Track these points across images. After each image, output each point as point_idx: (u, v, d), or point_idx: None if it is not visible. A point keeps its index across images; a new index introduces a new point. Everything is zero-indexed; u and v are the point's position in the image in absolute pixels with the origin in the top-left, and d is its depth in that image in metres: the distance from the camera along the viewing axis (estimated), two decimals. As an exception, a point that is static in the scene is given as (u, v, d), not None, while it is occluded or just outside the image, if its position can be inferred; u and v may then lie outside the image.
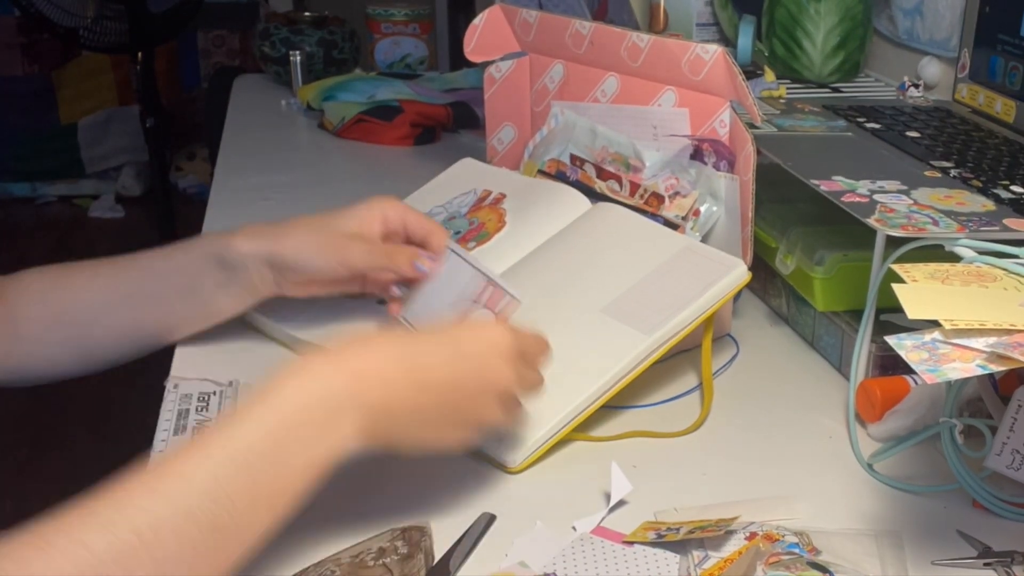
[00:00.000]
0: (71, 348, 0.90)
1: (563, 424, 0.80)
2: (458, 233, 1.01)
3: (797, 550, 0.69)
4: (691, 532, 0.69)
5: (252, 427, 0.61)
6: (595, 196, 1.03)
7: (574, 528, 0.72)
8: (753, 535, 0.70)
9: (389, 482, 0.77)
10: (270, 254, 0.87)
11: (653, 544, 0.69)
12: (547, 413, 0.80)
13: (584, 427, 0.83)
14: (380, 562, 0.67)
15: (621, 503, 0.75)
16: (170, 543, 0.55)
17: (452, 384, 0.68)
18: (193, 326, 0.92)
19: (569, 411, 0.80)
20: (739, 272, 0.87)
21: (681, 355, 0.93)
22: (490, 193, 1.05)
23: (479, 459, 0.80)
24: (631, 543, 0.70)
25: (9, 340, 0.88)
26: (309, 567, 0.68)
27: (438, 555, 0.69)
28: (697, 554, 0.69)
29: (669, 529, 0.70)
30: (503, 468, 0.78)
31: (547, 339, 0.76)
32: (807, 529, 0.71)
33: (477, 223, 1.01)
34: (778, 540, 0.69)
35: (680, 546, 0.69)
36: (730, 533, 0.70)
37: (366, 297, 0.93)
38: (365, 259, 0.87)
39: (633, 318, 0.85)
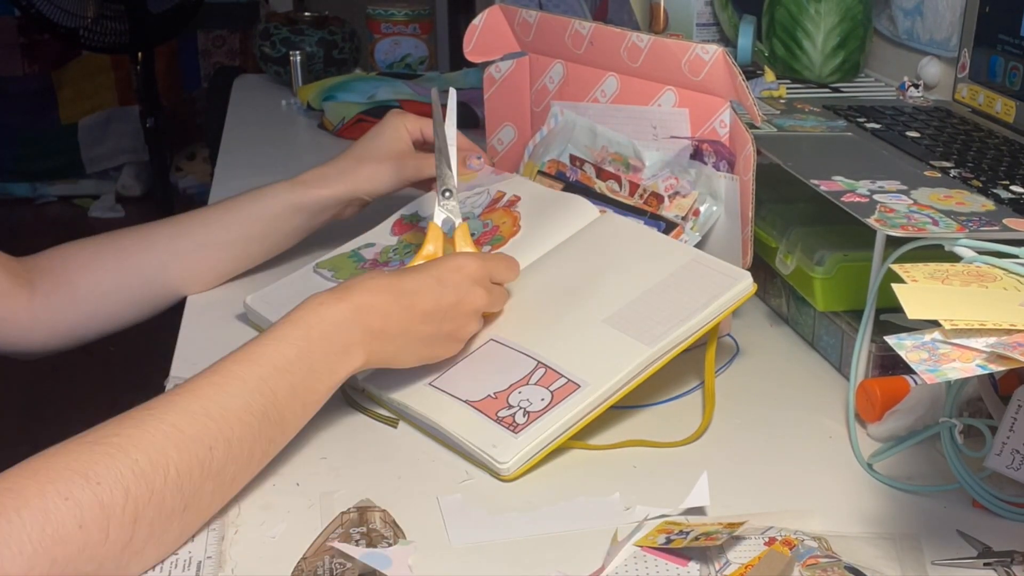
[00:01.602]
0: (140, 302, 1.03)
1: (560, 433, 0.80)
2: (473, 235, 1.00)
3: (824, 555, 0.69)
4: (696, 539, 0.69)
5: (287, 345, 0.75)
6: (595, 196, 1.03)
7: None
8: (772, 540, 0.70)
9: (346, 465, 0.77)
10: (350, 194, 1.05)
11: (661, 549, 0.69)
12: (544, 422, 0.79)
13: (582, 430, 0.82)
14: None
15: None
16: (235, 427, 0.70)
17: (435, 307, 0.81)
18: (259, 260, 1.08)
19: (566, 420, 0.80)
20: (744, 284, 0.87)
21: (682, 354, 0.93)
22: (504, 195, 1.04)
23: (473, 464, 0.80)
24: (642, 547, 0.70)
25: (68, 306, 0.98)
26: (302, 563, 0.68)
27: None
28: (718, 560, 0.69)
29: (680, 533, 0.70)
30: (496, 476, 0.78)
31: (515, 260, 0.89)
32: (825, 534, 0.71)
33: (491, 226, 1.01)
34: (796, 545, 0.69)
35: (699, 553, 0.69)
36: (738, 539, 0.70)
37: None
38: (424, 171, 1.04)
39: (635, 329, 0.84)
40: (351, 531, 0.70)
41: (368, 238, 1.06)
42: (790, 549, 0.69)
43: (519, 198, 1.03)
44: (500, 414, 0.81)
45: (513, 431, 0.79)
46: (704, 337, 0.87)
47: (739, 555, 0.69)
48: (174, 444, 0.66)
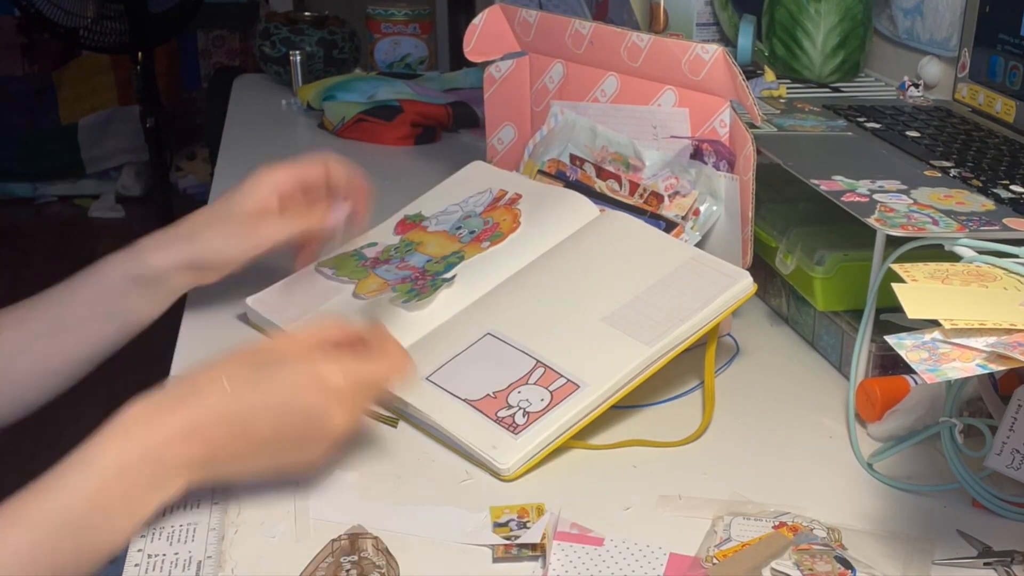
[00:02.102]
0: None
1: (559, 433, 0.79)
2: (472, 232, 1.01)
3: (821, 543, 0.69)
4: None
5: (74, 495, 0.64)
6: (595, 195, 1.03)
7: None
8: (781, 524, 0.71)
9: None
10: (189, 260, 0.91)
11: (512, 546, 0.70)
12: (544, 422, 0.79)
13: (582, 431, 0.82)
14: None
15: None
16: None
17: (272, 435, 0.70)
18: (116, 343, 0.93)
19: (565, 420, 0.80)
20: (744, 284, 0.87)
21: (682, 354, 0.93)
22: (506, 193, 1.04)
23: (473, 464, 0.80)
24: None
25: None
26: None
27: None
28: (721, 535, 0.70)
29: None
30: (496, 475, 0.78)
31: (406, 360, 0.77)
32: (840, 525, 0.72)
33: (492, 223, 1.01)
34: (800, 531, 0.70)
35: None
36: (744, 520, 0.71)
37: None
38: (279, 235, 0.92)
39: (635, 328, 0.84)
40: (342, 560, 0.68)
41: (371, 237, 1.06)
42: (794, 534, 0.69)
43: (520, 196, 1.03)
44: (500, 414, 0.81)
45: (513, 432, 0.79)
46: (704, 337, 0.87)
47: (742, 534, 0.70)
48: None
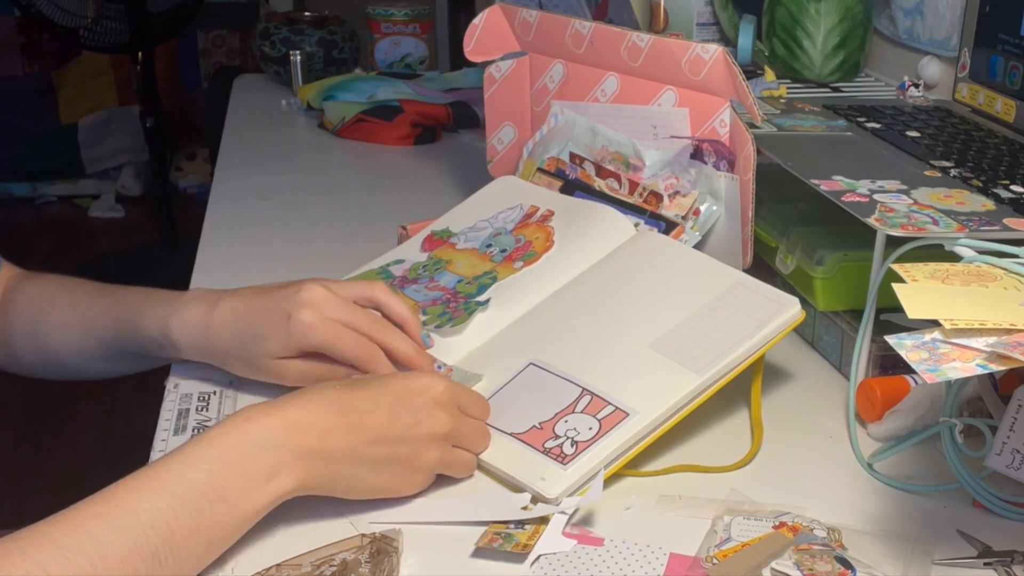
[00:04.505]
0: (44, 366, 0.98)
1: (609, 462, 0.77)
2: (504, 251, 0.97)
3: (821, 543, 0.69)
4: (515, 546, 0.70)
5: (196, 468, 0.65)
6: (594, 194, 1.03)
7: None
8: (782, 524, 0.71)
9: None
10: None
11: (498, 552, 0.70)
12: (593, 452, 0.76)
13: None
14: None
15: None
16: (115, 569, 0.60)
17: (387, 429, 0.71)
18: (121, 373, 0.98)
19: (615, 449, 0.77)
20: (793, 311, 0.84)
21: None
22: (537, 210, 1.01)
23: (519, 492, 0.77)
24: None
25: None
26: (270, 568, 0.67)
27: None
28: (721, 535, 0.70)
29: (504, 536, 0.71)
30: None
31: (486, 401, 0.80)
32: (840, 526, 0.72)
33: (524, 241, 0.97)
34: (800, 531, 0.70)
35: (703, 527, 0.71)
36: (746, 519, 0.71)
37: None
38: (299, 382, 0.82)
39: (683, 355, 0.82)
40: (344, 557, 0.67)
41: (398, 254, 1.02)
42: (794, 534, 0.69)
43: (552, 212, 1.00)
44: (547, 445, 0.78)
45: (562, 462, 0.76)
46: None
47: (742, 534, 0.70)
48: None
